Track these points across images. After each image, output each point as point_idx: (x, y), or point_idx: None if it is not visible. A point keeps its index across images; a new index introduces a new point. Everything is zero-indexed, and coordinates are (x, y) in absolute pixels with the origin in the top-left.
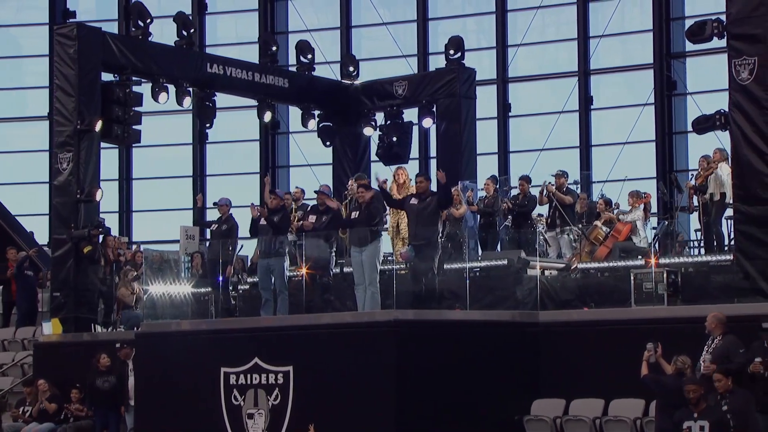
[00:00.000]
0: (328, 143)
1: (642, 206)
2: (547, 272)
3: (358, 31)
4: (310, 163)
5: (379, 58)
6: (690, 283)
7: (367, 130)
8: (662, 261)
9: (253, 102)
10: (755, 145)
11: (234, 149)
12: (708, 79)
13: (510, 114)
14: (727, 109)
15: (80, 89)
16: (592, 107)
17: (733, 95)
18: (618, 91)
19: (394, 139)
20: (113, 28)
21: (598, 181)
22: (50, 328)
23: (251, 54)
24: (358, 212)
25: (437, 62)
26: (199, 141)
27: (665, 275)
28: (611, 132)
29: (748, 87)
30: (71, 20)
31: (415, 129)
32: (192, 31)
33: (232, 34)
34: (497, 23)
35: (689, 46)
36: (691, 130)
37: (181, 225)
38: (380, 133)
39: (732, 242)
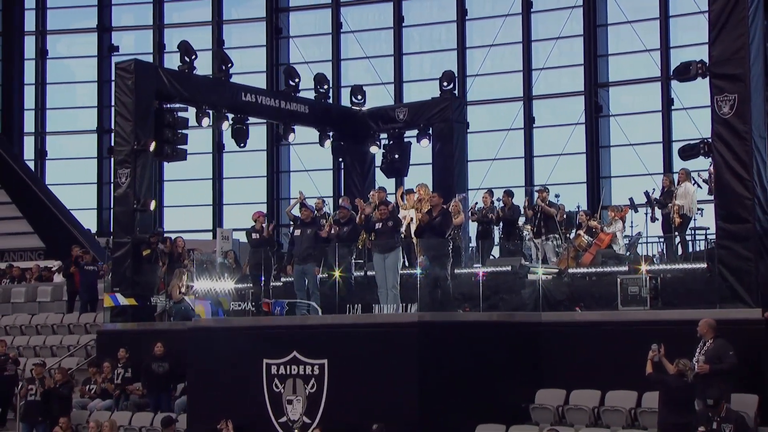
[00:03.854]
0: (340, 159)
1: (621, 219)
2: (543, 276)
3: (346, 63)
4: (307, 169)
5: (363, 84)
6: (669, 288)
7: (373, 149)
8: (644, 267)
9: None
10: (736, 171)
11: (246, 157)
12: (627, 104)
13: (468, 131)
14: (708, 138)
15: (136, 115)
16: (534, 126)
17: (715, 127)
18: (556, 112)
19: (396, 156)
20: (149, 59)
21: (538, 185)
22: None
23: (258, 81)
24: (381, 223)
25: (410, 89)
26: (218, 150)
27: (648, 280)
28: (549, 146)
29: (729, 120)
30: (116, 54)
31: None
32: (230, 66)
33: (238, 63)
34: (458, 58)
35: (612, 77)
36: (615, 144)
37: (218, 228)
38: (384, 151)
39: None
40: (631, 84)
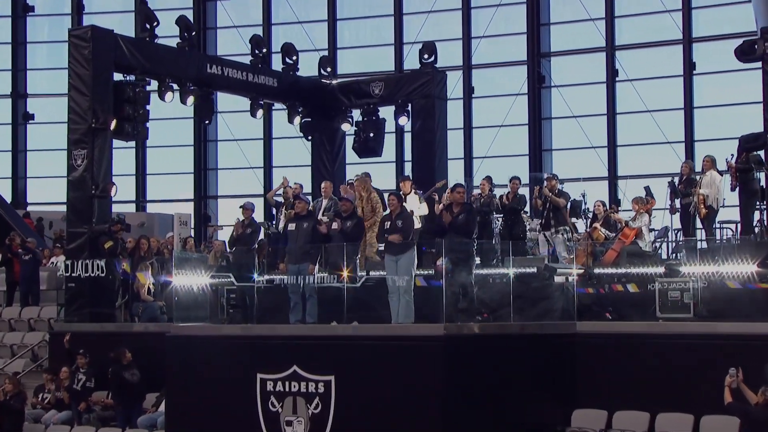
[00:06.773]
0: (309, 137)
1: (647, 212)
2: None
3: (276, 27)
4: (237, 138)
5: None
6: (713, 295)
7: (345, 126)
8: (685, 269)
9: None
10: None
11: (171, 125)
12: (570, 75)
13: None
14: None
15: (94, 89)
16: (473, 96)
17: None
18: (496, 82)
19: (371, 135)
20: (66, 21)
21: (478, 157)
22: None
23: None
24: (389, 222)
25: (344, 56)
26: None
27: (690, 285)
28: (491, 117)
29: None
30: (32, 14)
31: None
32: (194, 33)
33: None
34: (395, 24)
35: (554, 47)
36: (557, 116)
37: (176, 212)
38: (356, 128)
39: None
40: (574, 54)
